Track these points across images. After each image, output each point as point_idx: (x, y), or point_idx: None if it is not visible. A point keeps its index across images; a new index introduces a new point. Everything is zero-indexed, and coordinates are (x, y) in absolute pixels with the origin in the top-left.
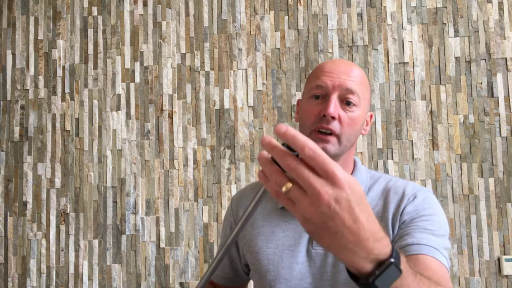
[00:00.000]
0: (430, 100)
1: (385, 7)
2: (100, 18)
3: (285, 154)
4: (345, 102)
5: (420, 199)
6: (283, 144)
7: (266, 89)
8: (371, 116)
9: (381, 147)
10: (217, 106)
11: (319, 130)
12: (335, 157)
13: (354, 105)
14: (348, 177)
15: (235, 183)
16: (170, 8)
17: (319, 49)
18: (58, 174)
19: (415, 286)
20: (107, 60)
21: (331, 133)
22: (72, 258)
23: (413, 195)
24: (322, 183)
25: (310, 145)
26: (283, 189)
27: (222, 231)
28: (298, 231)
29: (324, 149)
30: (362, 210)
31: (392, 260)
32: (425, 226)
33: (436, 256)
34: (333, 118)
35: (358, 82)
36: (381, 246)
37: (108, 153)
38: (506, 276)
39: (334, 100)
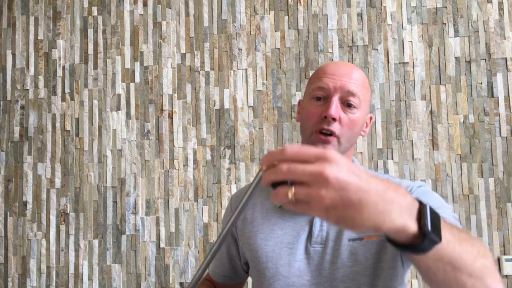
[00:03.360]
0: (430, 100)
1: (385, 7)
2: (100, 18)
3: (275, 170)
4: (346, 104)
5: (415, 189)
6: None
7: (266, 89)
8: (370, 118)
9: (381, 147)
10: (217, 106)
11: (320, 131)
12: None
13: (354, 107)
14: (330, 150)
15: (235, 183)
16: (170, 8)
17: (319, 49)
18: (58, 174)
19: (456, 239)
20: (107, 60)
21: (331, 134)
22: (72, 258)
23: (408, 186)
24: (318, 164)
25: (287, 148)
26: (289, 195)
27: (221, 229)
28: (297, 229)
29: None
30: (361, 171)
31: (423, 202)
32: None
33: (455, 223)
34: (334, 119)
35: (359, 84)
36: (404, 194)
37: (108, 153)
38: (506, 276)
39: (335, 101)
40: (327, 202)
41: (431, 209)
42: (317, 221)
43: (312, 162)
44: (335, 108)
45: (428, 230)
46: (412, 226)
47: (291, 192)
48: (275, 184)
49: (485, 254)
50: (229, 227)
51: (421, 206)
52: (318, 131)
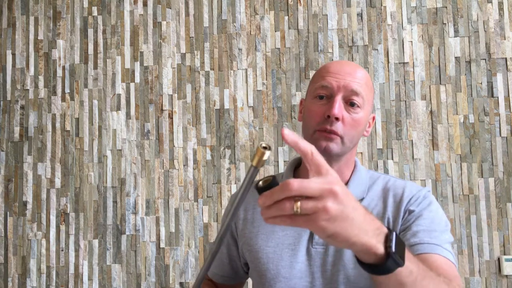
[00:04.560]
0: (430, 100)
1: (385, 7)
2: (100, 18)
3: (280, 189)
4: (349, 104)
5: (420, 199)
6: (260, 186)
7: (266, 89)
8: (373, 118)
9: (381, 147)
10: (217, 106)
11: (323, 131)
12: (337, 156)
13: (358, 106)
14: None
15: (235, 183)
16: (170, 8)
17: (319, 49)
18: (58, 174)
19: (419, 273)
20: (107, 60)
21: (334, 134)
22: (72, 258)
23: (413, 195)
24: (324, 180)
25: (289, 184)
26: (295, 209)
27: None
28: (298, 229)
29: (327, 148)
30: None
31: (390, 229)
32: (426, 224)
33: (441, 253)
34: (337, 119)
35: (363, 83)
36: (374, 218)
37: (108, 153)
38: (506, 276)
39: (338, 101)
40: (330, 214)
41: (396, 236)
42: None
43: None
44: (338, 108)
45: (392, 251)
46: (380, 248)
47: (296, 206)
48: (262, 189)
49: None
50: (225, 228)
51: (389, 232)
52: (320, 130)
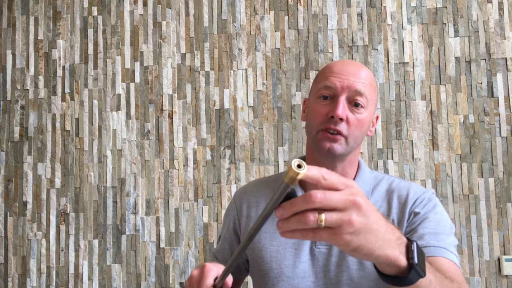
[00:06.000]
0: (430, 100)
1: (385, 7)
2: (100, 18)
3: (301, 200)
4: (353, 104)
5: (425, 201)
6: (284, 196)
7: (266, 89)
8: (377, 117)
9: (381, 147)
10: (217, 106)
11: (327, 130)
12: (341, 156)
13: (362, 107)
14: (351, 181)
15: (235, 183)
16: (170, 8)
17: (319, 49)
18: (58, 174)
19: (437, 282)
20: (107, 60)
21: (339, 134)
22: (72, 258)
23: (418, 197)
24: (347, 192)
25: (312, 195)
26: (319, 222)
27: (223, 225)
28: None
29: (331, 149)
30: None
31: (410, 239)
32: (432, 227)
33: (447, 256)
34: (341, 119)
35: (367, 84)
36: (394, 227)
37: (108, 153)
38: (506, 276)
39: (342, 101)
40: (354, 228)
41: (417, 246)
42: None
43: (342, 190)
44: (342, 108)
45: (415, 263)
46: (402, 260)
47: (320, 219)
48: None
49: None
50: (247, 241)
51: (409, 243)
52: (324, 130)
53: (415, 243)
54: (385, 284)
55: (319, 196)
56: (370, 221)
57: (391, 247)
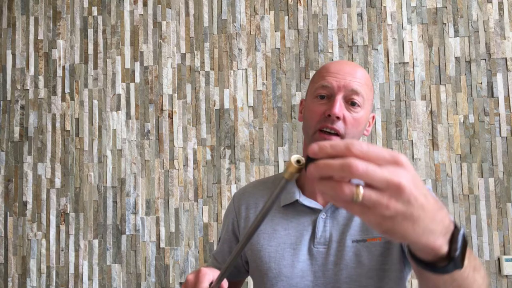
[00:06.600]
0: (430, 100)
1: (385, 7)
2: (100, 18)
3: (340, 167)
4: (350, 103)
5: None
6: (307, 161)
7: (266, 89)
8: (373, 117)
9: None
10: (217, 106)
11: (323, 130)
12: None
13: (358, 106)
14: (400, 155)
15: (235, 183)
16: (170, 8)
17: (319, 49)
18: (58, 174)
19: (477, 275)
20: (107, 60)
21: (335, 133)
22: (72, 258)
23: None
24: (394, 171)
25: (355, 143)
26: (355, 197)
27: (222, 227)
28: (300, 229)
29: None
30: (422, 184)
31: (458, 226)
32: None
33: None
34: (338, 118)
35: (363, 83)
36: (446, 215)
37: (108, 153)
38: (506, 276)
39: (339, 100)
40: (391, 213)
41: (463, 237)
42: (320, 222)
43: (383, 165)
44: (339, 107)
45: (456, 256)
46: (444, 248)
47: (357, 194)
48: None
49: (486, 285)
50: (246, 240)
51: (455, 231)
52: (321, 129)
53: (461, 232)
54: (382, 280)
55: (360, 168)
56: (411, 209)
57: (434, 236)
